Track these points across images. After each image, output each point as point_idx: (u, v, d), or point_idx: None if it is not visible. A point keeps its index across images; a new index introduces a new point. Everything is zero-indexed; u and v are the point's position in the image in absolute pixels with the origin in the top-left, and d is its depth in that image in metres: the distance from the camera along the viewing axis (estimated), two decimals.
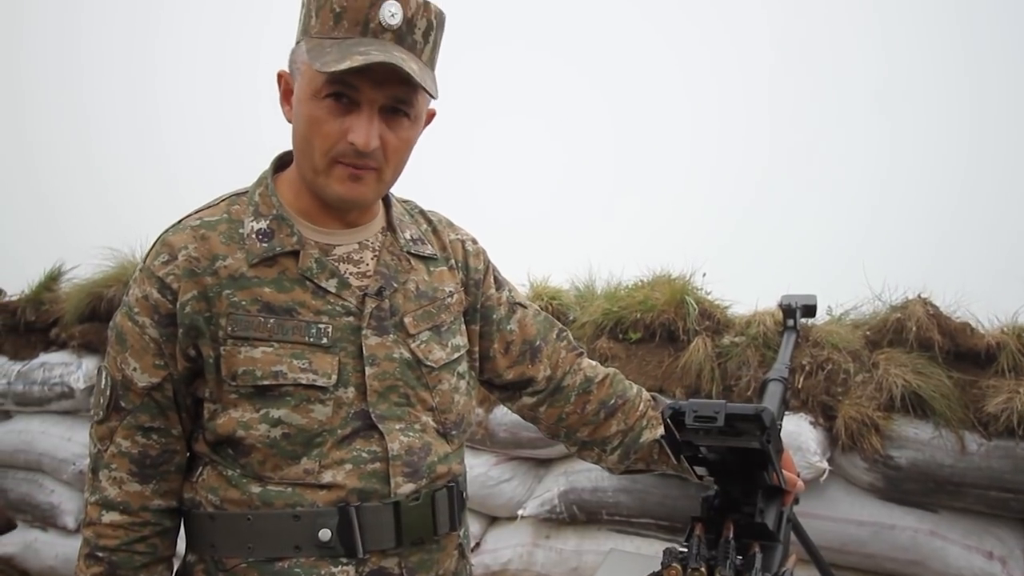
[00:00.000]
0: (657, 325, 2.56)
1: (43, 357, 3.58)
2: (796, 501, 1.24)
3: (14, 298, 3.86)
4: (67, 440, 3.42)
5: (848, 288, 2.53)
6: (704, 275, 2.67)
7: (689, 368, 2.44)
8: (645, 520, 2.46)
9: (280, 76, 1.07)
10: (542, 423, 1.31)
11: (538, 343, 1.27)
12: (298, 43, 1.04)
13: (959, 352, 2.29)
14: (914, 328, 2.29)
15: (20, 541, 3.50)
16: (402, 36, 1.00)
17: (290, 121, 1.06)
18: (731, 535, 1.04)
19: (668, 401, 1.35)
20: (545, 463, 2.67)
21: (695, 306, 2.53)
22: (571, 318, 2.71)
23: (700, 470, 1.13)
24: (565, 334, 1.32)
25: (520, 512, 2.58)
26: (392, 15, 0.99)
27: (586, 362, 1.32)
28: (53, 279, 3.78)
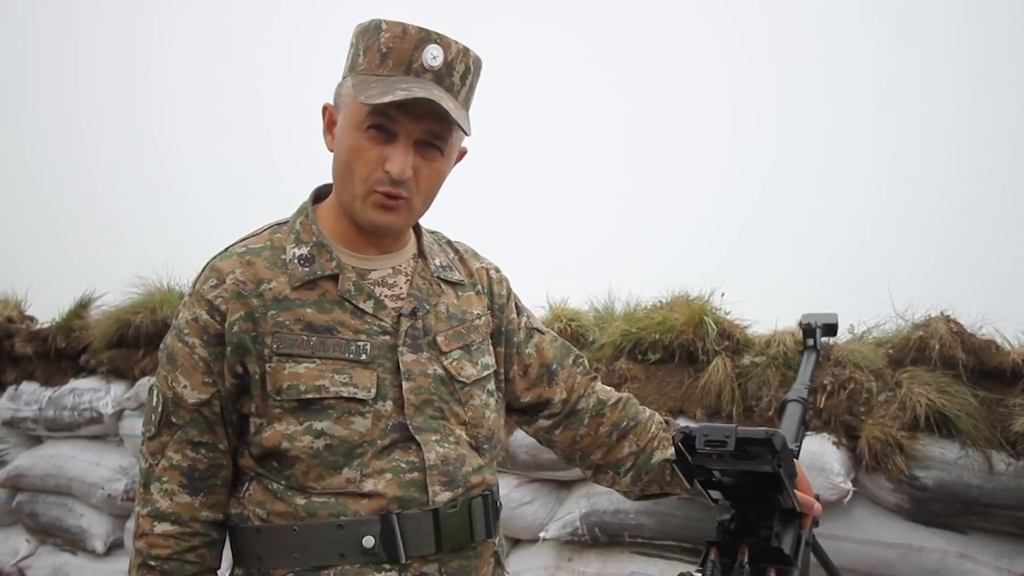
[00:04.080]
0: (676, 346, 2.55)
1: (73, 383, 3.65)
2: (816, 523, 1.23)
3: (45, 325, 3.94)
4: (96, 465, 3.47)
5: (870, 306, 2.51)
6: (723, 295, 2.66)
7: (709, 389, 2.42)
8: (668, 542, 2.44)
9: (325, 109, 1.15)
10: (557, 446, 1.36)
11: (555, 367, 1.33)
12: (344, 78, 1.12)
13: (984, 370, 2.25)
14: (937, 346, 2.26)
15: (50, 565, 3.55)
16: (441, 77, 1.09)
17: (331, 150, 1.15)
18: (746, 559, 1.04)
19: (682, 424, 1.35)
20: (566, 485, 2.66)
21: (714, 326, 2.52)
22: (590, 339, 2.71)
23: (715, 494, 1.13)
24: (581, 360, 1.37)
25: (542, 534, 2.57)
26: (434, 57, 1.08)
27: (600, 386, 1.36)
28: (83, 306, 3.85)
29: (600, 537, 2.50)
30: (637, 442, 1.31)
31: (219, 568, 1.15)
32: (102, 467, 3.44)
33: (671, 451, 1.26)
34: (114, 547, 3.44)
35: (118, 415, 3.44)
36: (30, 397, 3.75)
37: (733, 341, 2.51)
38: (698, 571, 1.03)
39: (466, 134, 1.12)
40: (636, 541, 2.47)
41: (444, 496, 1.11)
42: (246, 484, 1.13)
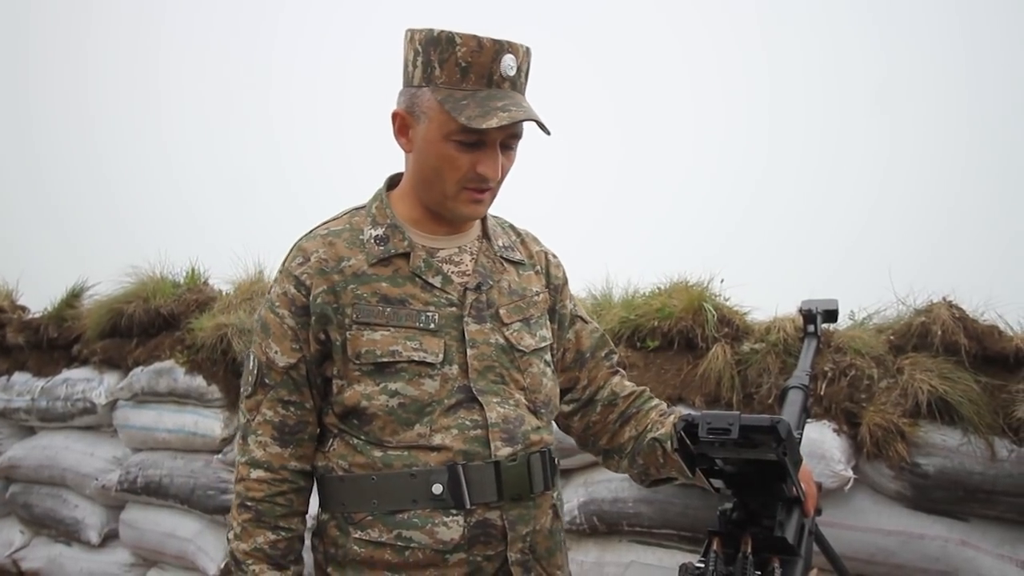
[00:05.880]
0: (675, 333, 2.52)
1: (66, 373, 3.61)
2: (819, 512, 1.21)
3: (37, 315, 3.91)
4: (90, 455, 3.44)
5: (871, 292, 2.48)
6: (722, 281, 2.63)
7: (708, 376, 2.40)
8: (667, 531, 2.42)
9: (396, 115, 1.26)
10: (574, 431, 1.47)
11: (587, 355, 1.44)
12: (419, 87, 1.22)
13: (987, 356, 2.22)
14: (939, 332, 2.23)
15: (44, 556, 3.53)
16: (515, 83, 1.22)
17: (407, 151, 1.28)
18: (749, 550, 1.01)
19: (679, 409, 1.33)
20: (564, 473, 2.64)
21: (713, 313, 2.49)
22: None
23: (717, 482, 1.11)
24: (612, 356, 1.48)
25: None
26: (511, 67, 1.21)
27: (618, 380, 1.47)
28: (75, 296, 3.81)
29: (598, 526, 2.48)
30: (636, 427, 1.40)
31: (306, 512, 1.30)
32: (96, 457, 3.42)
33: (661, 431, 1.33)
34: (109, 538, 3.42)
35: (111, 405, 3.41)
36: (22, 387, 3.72)
37: (733, 328, 2.48)
38: (700, 561, 1.01)
39: (547, 134, 1.22)
40: (635, 530, 2.45)
41: (505, 451, 1.24)
42: (330, 440, 1.28)
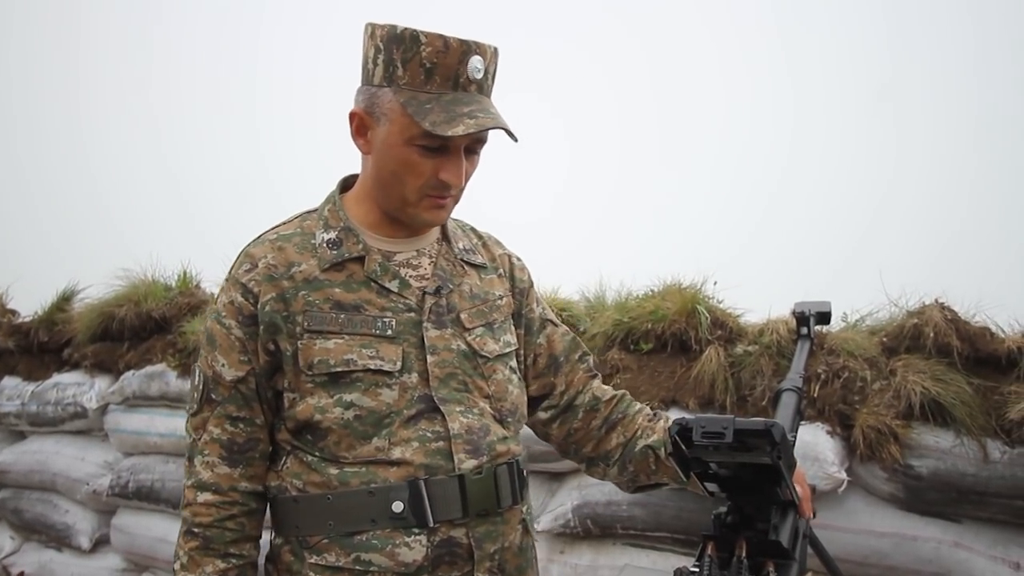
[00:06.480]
0: (668, 335, 2.52)
1: (56, 377, 3.59)
2: (813, 514, 1.21)
3: (27, 319, 3.88)
4: (81, 460, 3.42)
5: (863, 294, 2.49)
6: (715, 283, 2.63)
7: (702, 378, 2.40)
8: (660, 534, 2.42)
9: (354, 115, 1.19)
10: (553, 439, 1.40)
11: (561, 360, 1.38)
12: (380, 87, 1.15)
13: (979, 358, 2.23)
14: (932, 334, 2.24)
15: (35, 561, 3.51)
16: (482, 86, 1.16)
17: (365, 153, 1.21)
18: (744, 554, 1.01)
19: (667, 413, 1.32)
20: (558, 477, 2.64)
21: (707, 315, 2.49)
22: (581, 329, 2.68)
23: (711, 486, 1.10)
24: (587, 358, 1.42)
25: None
26: (478, 70, 1.14)
27: (597, 384, 1.40)
28: (66, 300, 3.80)
29: (592, 529, 2.48)
30: (624, 433, 1.34)
31: (259, 536, 1.23)
32: (87, 462, 3.40)
33: (653, 438, 1.30)
34: (100, 543, 3.40)
35: (102, 409, 3.39)
36: (12, 392, 3.69)
37: (726, 330, 2.48)
38: (695, 566, 1.01)
39: (515, 141, 1.16)
40: (628, 533, 2.45)
41: (470, 463, 1.17)
42: (283, 458, 1.21)
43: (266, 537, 1.24)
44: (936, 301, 2.33)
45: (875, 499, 2.22)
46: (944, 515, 2.15)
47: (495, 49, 1.17)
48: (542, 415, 1.37)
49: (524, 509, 1.26)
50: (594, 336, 2.63)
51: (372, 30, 1.15)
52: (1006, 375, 2.19)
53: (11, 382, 3.76)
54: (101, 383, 3.43)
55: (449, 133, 1.09)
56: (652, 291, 2.69)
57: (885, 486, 2.17)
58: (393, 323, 1.18)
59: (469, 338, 1.22)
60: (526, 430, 1.36)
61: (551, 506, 2.57)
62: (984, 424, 2.11)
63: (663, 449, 1.26)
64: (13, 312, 4.02)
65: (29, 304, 3.92)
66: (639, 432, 1.32)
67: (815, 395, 2.27)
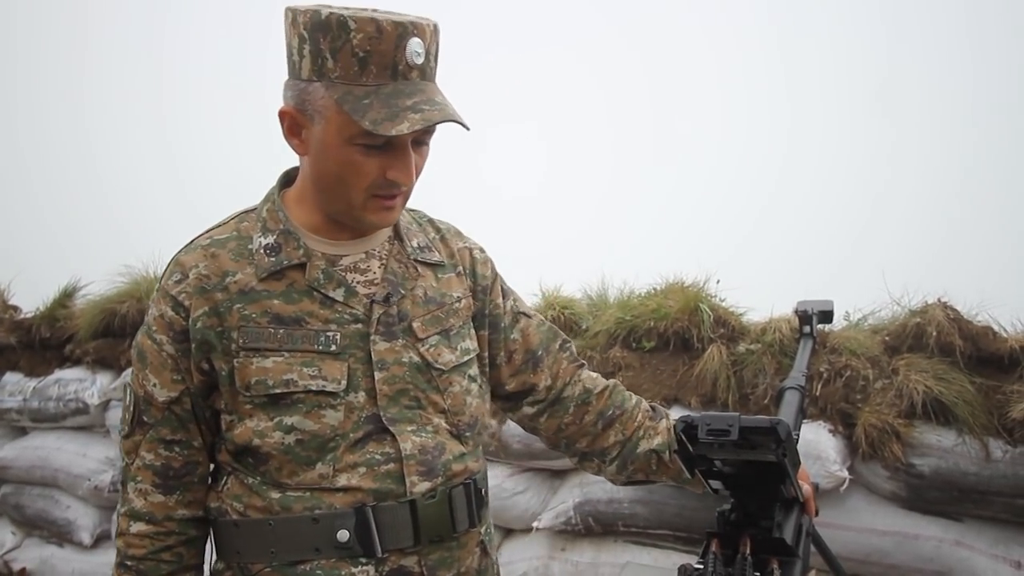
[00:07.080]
0: (671, 333, 2.52)
1: (58, 373, 3.59)
2: (816, 512, 1.21)
3: (29, 315, 3.88)
4: (82, 456, 3.42)
5: (866, 293, 2.49)
6: (718, 282, 2.63)
7: (704, 377, 2.40)
8: (662, 531, 2.42)
9: (284, 114, 1.06)
10: (542, 433, 1.33)
11: (540, 352, 1.29)
12: (310, 82, 1.02)
13: (981, 357, 2.23)
14: (934, 333, 2.24)
15: (36, 557, 3.51)
16: (424, 70, 1.03)
17: (301, 154, 1.10)
18: (748, 551, 1.01)
19: (666, 409, 1.32)
20: (560, 474, 2.64)
21: (709, 313, 2.49)
22: (584, 328, 2.68)
23: (715, 484, 1.10)
24: (568, 346, 1.33)
25: (535, 524, 2.54)
26: (418, 54, 1.01)
27: (586, 374, 1.33)
28: (68, 296, 3.79)
29: (594, 527, 2.48)
30: (623, 431, 1.28)
31: (200, 564, 1.15)
32: (88, 458, 3.40)
33: (657, 441, 1.25)
34: (101, 539, 3.40)
35: (104, 405, 3.39)
36: (14, 388, 3.69)
37: (728, 328, 2.49)
38: (699, 563, 1.01)
39: (467, 130, 1.05)
40: (630, 530, 2.45)
41: (423, 486, 1.09)
42: (224, 478, 1.13)
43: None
44: (938, 300, 2.33)
45: (877, 497, 2.22)
46: (946, 514, 2.16)
47: (435, 25, 1.04)
48: (528, 410, 1.28)
49: (483, 530, 1.18)
50: (596, 334, 2.63)
51: (293, 16, 1.02)
52: (1008, 374, 2.19)
53: (13, 378, 3.76)
54: (103, 379, 3.43)
55: (393, 132, 0.98)
56: (654, 289, 2.69)
57: (887, 485, 2.17)
58: (338, 337, 1.07)
59: (422, 349, 1.12)
60: (516, 427, 1.30)
61: (552, 503, 2.57)
62: (986, 423, 2.12)
63: (667, 452, 1.23)
64: (15, 308, 4.02)
65: (31, 300, 3.92)
66: (640, 431, 1.27)
67: (817, 394, 2.27)
